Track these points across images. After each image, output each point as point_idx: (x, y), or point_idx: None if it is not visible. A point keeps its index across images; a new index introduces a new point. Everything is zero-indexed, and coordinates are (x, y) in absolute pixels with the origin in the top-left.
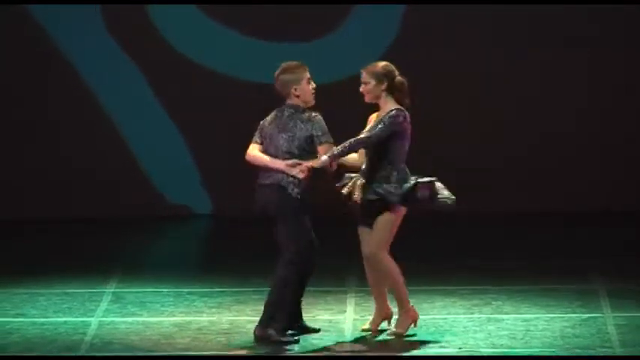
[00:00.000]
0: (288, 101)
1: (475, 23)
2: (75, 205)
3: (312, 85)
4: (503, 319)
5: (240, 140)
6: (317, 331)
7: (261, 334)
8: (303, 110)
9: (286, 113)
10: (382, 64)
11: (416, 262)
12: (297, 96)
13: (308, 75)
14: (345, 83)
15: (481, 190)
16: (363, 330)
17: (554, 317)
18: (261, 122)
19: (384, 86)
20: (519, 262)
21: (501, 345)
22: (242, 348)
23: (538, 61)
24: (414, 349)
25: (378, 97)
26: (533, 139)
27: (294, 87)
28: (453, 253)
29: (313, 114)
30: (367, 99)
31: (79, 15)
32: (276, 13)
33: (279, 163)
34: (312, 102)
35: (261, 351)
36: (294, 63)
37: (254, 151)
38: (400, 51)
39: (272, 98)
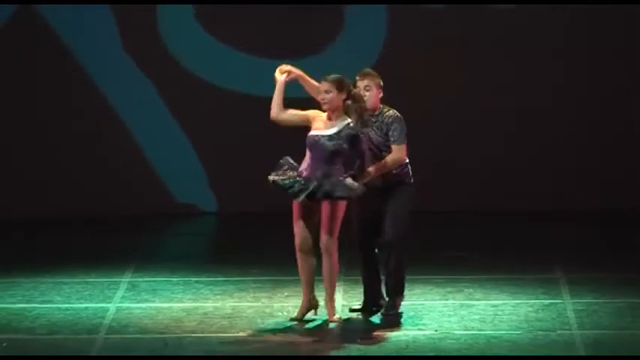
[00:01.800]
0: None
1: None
2: (94, 203)
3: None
4: (474, 305)
5: (242, 146)
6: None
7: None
8: None
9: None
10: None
11: None
12: None
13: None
14: None
15: (457, 189)
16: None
17: (520, 303)
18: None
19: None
20: (490, 254)
21: (473, 327)
22: (243, 330)
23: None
24: (396, 331)
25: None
26: (502, 140)
27: None
28: (430, 246)
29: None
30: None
31: (99, 34)
32: (272, 32)
33: None
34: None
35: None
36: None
37: None
38: (390, 57)
39: (266, 109)
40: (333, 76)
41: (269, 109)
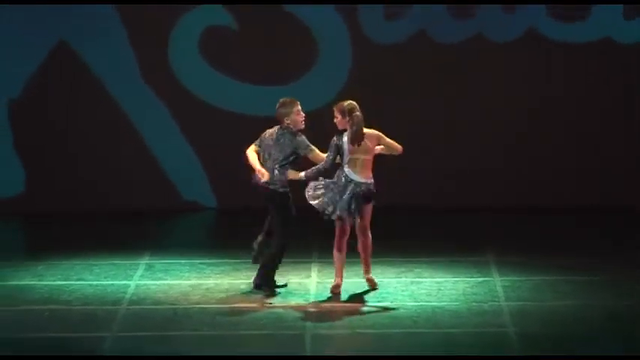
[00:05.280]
0: (284, 124)
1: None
2: (118, 201)
3: (302, 114)
4: (422, 282)
5: (237, 154)
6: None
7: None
8: (293, 132)
9: (279, 132)
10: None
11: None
12: (289, 123)
13: (298, 107)
14: (322, 111)
15: (411, 188)
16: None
17: (459, 280)
18: (262, 134)
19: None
20: (436, 241)
21: (421, 300)
22: (238, 302)
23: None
24: (358, 302)
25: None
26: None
27: (286, 117)
28: (387, 234)
29: (298, 134)
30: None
31: (122, 67)
32: (261, 64)
33: (258, 167)
34: (301, 127)
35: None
36: (287, 99)
37: (251, 152)
38: (356, 84)
39: (257, 124)
40: (338, 104)
41: (259, 125)
